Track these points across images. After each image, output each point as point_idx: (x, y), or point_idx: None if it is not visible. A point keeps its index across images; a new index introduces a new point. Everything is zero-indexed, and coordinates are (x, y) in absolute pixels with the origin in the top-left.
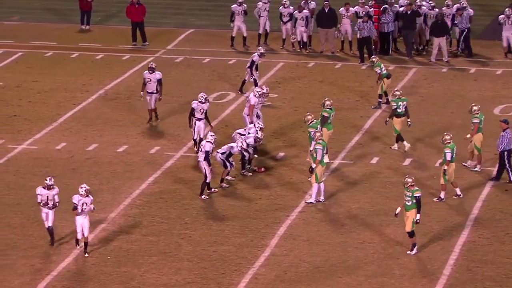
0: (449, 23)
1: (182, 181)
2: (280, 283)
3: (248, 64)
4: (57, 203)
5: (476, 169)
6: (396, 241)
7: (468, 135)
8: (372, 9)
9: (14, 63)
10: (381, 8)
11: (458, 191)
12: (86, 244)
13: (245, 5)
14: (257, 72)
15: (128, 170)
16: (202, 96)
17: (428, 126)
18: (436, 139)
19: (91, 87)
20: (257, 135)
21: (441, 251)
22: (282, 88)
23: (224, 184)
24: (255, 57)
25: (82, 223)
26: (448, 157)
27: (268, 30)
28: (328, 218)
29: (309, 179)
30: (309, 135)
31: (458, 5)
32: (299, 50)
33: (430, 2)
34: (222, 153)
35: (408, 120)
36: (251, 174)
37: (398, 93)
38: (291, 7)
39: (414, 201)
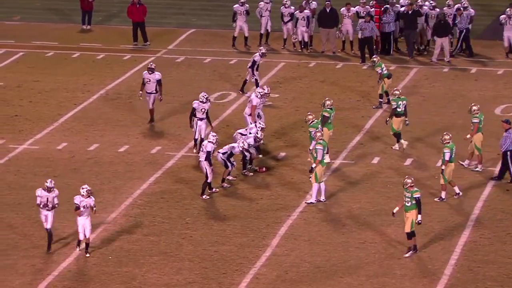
0: (450, 23)
1: (183, 181)
2: (281, 283)
3: (250, 64)
4: (56, 205)
5: (477, 169)
6: (397, 241)
7: (468, 135)
8: (373, 9)
9: (15, 63)
10: (382, 8)
11: (457, 189)
12: (87, 244)
13: (247, 5)
14: (257, 72)
15: (129, 170)
16: (203, 96)
17: (429, 126)
18: (437, 139)
19: (92, 87)
20: (257, 134)
21: (442, 251)
22: (283, 88)
23: (225, 184)
24: (257, 57)
25: (83, 223)
26: (447, 157)
27: (269, 30)
28: (329, 218)
29: (310, 178)
30: (309, 135)
31: (459, 5)
32: (300, 50)
33: (431, 2)
34: (223, 153)
35: (406, 119)
36: (252, 174)
37: (397, 92)
38: (292, 7)
39: (414, 202)
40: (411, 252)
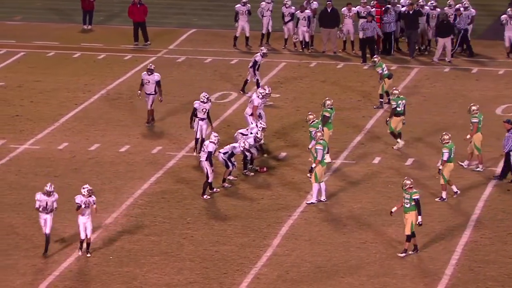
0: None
1: (184, 181)
2: (282, 283)
3: (251, 64)
4: (55, 209)
5: (478, 169)
6: (398, 241)
7: (468, 136)
8: (374, 9)
9: (16, 63)
10: (383, 8)
11: (454, 188)
12: (88, 244)
13: (249, 5)
14: (258, 72)
15: (130, 170)
16: (204, 96)
17: (430, 126)
18: (438, 139)
19: (93, 87)
20: (256, 135)
21: (443, 251)
22: (284, 88)
23: (226, 184)
24: (258, 57)
25: (85, 222)
26: (445, 157)
27: (270, 30)
28: (330, 218)
29: (310, 178)
30: (310, 135)
31: (460, 4)
32: (301, 50)
33: (432, 2)
34: (224, 153)
35: (403, 118)
36: (253, 174)
37: (396, 91)
38: (293, 7)
39: (413, 203)
40: (406, 253)
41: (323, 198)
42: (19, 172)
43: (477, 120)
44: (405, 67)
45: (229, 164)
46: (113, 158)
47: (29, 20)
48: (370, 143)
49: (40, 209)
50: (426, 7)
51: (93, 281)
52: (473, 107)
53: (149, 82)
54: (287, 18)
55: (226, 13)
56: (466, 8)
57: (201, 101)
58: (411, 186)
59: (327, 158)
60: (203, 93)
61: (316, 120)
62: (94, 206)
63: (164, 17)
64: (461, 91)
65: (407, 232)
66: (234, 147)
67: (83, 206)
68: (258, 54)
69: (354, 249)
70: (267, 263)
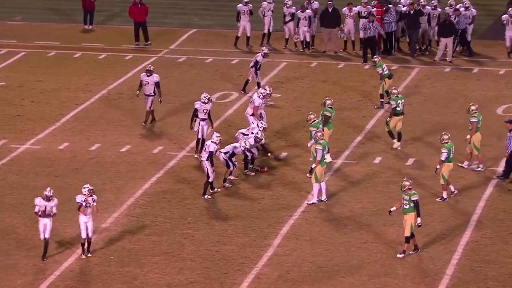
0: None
1: (184, 181)
2: (283, 283)
3: (252, 64)
4: (54, 214)
5: (478, 169)
6: (399, 241)
7: (468, 136)
8: (374, 9)
9: (17, 63)
10: (384, 8)
11: (452, 188)
12: (89, 244)
13: (250, 5)
14: (259, 72)
15: (131, 170)
16: (205, 97)
17: (430, 126)
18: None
19: (94, 87)
20: (257, 135)
21: (444, 251)
22: (285, 88)
23: (227, 184)
24: (259, 57)
25: (86, 222)
26: (443, 157)
27: (271, 30)
28: (330, 218)
29: (310, 178)
30: (310, 135)
31: (460, 4)
32: (302, 50)
33: (433, 1)
34: (225, 153)
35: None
36: (253, 174)
37: (395, 91)
38: (293, 7)
39: (412, 204)
40: (405, 254)
41: (324, 197)
42: (20, 172)
43: (476, 120)
44: (406, 67)
45: (230, 164)
46: (114, 158)
47: (30, 20)
48: (371, 143)
49: (39, 213)
50: (428, 7)
51: (94, 281)
52: (472, 107)
53: (148, 83)
54: (287, 18)
55: (227, 13)
56: (467, 8)
57: (202, 102)
58: (410, 187)
59: (328, 158)
60: (204, 93)
61: (317, 120)
62: (95, 204)
63: (165, 17)
64: (461, 91)
65: (407, 234)
66: (235, 147)
67: (84, 204)
68: (259, 54)
69: (355, 249)
70: (268, 263)
